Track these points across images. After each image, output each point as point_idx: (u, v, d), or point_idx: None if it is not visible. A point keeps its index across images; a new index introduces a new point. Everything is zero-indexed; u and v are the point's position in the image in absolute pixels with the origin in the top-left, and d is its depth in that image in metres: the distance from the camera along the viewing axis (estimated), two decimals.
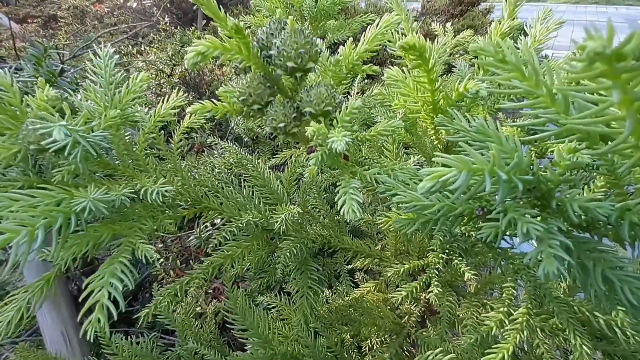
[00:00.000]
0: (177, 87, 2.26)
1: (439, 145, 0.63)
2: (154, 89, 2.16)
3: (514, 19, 0.58)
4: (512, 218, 0.28)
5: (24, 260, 0.33)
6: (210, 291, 1.46)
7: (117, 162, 0.55)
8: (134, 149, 0.61)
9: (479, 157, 0.28)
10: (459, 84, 0.49)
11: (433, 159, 0.27)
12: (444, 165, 0.28)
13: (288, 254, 0.62)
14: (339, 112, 0.40)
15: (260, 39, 0.45)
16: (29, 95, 0.72)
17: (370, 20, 1.16)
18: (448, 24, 1.52)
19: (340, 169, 0.42)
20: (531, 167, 0.34)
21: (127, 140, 0.59)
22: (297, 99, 0.44)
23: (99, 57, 0.61)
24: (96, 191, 0.38)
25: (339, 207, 0.35)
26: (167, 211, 0.52)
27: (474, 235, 0.50)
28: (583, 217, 0.31)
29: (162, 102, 0.65)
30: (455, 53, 1.59)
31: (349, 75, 0.49)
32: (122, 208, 0.43)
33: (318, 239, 0.74)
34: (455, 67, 0.75)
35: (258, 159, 0.84)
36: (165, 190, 0.42)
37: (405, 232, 0.38)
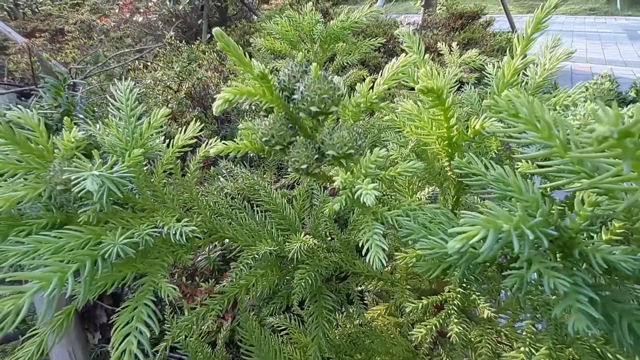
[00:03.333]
0: (184, 102, 2.29)
1: (452, 176, 0.64)
2: (161, 105, 2.18)
3: (525, 55, 0.59)
4: (537, 270, 0.28)
5: (50, 309, 0.34)
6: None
7: (137, 196, 0.56)
8: (152, 180, 0.62)
9: (504, 214, 0.28)
10: (475, 120, 0.50)
11: (460, 220, 0.28)
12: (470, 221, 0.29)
13: (303, 283, 0.63)
14: (362, 154, 0.41)
15: (282, 80, 0.46)
16: (51, 127, 0.73)
17: (379, 43, 1.18)
18: (454, 44, 1.54)
19: (362, 208, 0.43)
20: (552, 215, 0.34)
21: (146, 170, 0.60)
22: (318, 139, 0.45)
23: (120, 91, 0.62)
24: (122, 234, 0.39)
25: (363, 253, 0.35)
26: (185, 245, 0.53)
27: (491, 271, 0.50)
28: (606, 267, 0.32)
29: (180, 132, 0.66)
30: (461, 69, 1.61)
31: (366, 111, 0.50)
32: (146, 246, 0.43)
33: (330, 266, 0.75)
34: (464, 86, 0.75)
35: (264, 174, 0.84)
36: (190, 231, 0.43)
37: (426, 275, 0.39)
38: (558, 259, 0.30)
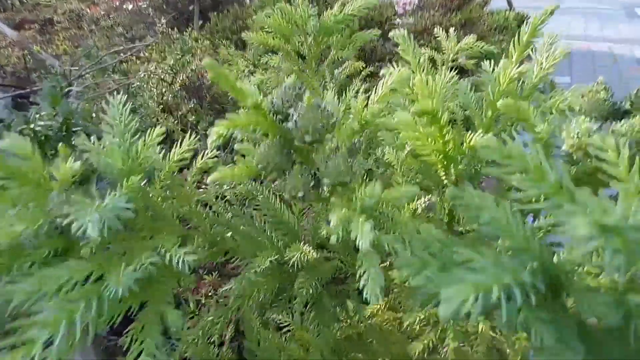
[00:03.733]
0: (179, 95, 2.26)
1: (448, 183, 0.64)
2: (156, 98, 2.16)
3: (522, 62, 0.58)
4: (525, 318, 0.29)
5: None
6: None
7: (136, 217, 0.57)
8: (150, 195, 0.62)
9: (493, 273, 0.29)
10: (470, 136, 0.50)
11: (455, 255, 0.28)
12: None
13: (304, 293, 0.64)
14: (356, 181, 0.42)
15: (276, 104, 0.45)
16: (51, 139, 0.72)
17: (374, 34, 1.16)
18: (452, 29, 1.50)
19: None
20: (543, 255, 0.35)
21: (145, 187, 0.61)
22: (314, 164, 0.45)
23: (113, 106, 0.62)
24: (125, 267, 0.40)
25: (360, 287, 0.36)
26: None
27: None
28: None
29: (175, 146, 0.66)
30: (459, 54, 1.57)
31: (361, 131, 0.50)
32: (149, 276, 0.44)
33: (330, 270, 0.76)
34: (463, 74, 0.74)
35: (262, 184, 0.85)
36: (193, 260, 0.43)
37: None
38: (548, 297, 0.31)
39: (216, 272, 1.78)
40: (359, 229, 0.33)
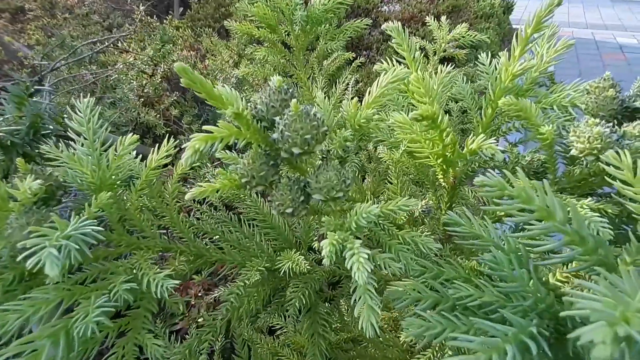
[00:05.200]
0: (161, 87, 2.17)
1: (446, 186, 0.61)
2: (136, 91, 2.06)
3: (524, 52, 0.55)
4: None
5: None
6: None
7: (111, 231, 0.52)
8: (128, 206, 0.57)
9: (502, 339, 0.26)
10: (472, 140, 0.46)
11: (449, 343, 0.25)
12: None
13: (297, 303, 0.61)
14: (349, 194, 0.38)
15: (259, 110, 0.41)
16: (17, 146, 0.66)
17: (364, 25, 1.10)
18: (443, 18, 1.45)
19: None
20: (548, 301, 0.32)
21: (119, 197, 0.56)
22: (304, 175, 0.41)
23: (79, 111, 0.56)
24: (95, 305, 0.35)
25: (355, 314, 0.33)
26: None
27: None
28: None
29: (153, 152, 0.61)
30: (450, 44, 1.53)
31: (354, 136, 0.46)
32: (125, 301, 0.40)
33: (323, 275, 0.73)
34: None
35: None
36: (170, 285, 0.39)
37: None
38: (552, 347, 0.28)
39: (206, 272, 1.74)
40: (354, 259, 0.29)
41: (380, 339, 0.80)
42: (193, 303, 1.56)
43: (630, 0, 6.85)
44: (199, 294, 1.59)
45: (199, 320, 1.37)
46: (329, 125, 0.39)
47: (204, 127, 0.35)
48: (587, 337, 0.18)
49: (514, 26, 3.72)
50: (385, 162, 0.74)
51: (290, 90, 0.41)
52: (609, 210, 0.45)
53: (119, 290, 0.39)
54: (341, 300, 0.96)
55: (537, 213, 0.30)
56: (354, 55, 1.39)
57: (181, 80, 0.36)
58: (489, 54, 0.69)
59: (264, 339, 0.92)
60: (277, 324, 1.01)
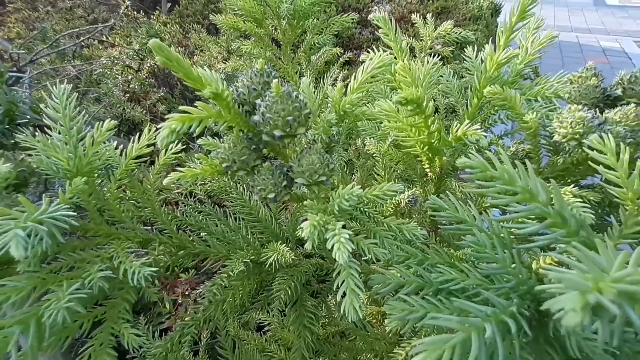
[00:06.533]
0: (147, 82, 2.13)
1: (432, 176, 0.61)
2: (122, 86, 2.02)
3: (509, 42, 0.55)
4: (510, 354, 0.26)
5: None
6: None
7: (88, 221, 0.50)
8: (107, 196, 0.56)
9: (477, 323, 0.25)
10: (457, 127, 0.46)
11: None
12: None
13: (282, 296, 0.60)
14: (334, 179, 0.37)
15: (241, 93, 0.40)
16: None
17: (351, 19, 1.10)
18: (429, 15, 1.46)
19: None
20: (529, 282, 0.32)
21: (98, 187, 0.54)
22: (286, 160, 0.40)
23: (55, 98, 0.54)
24: (68, 291, 0.34)
25: (338, 298, 0.32)
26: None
27: None
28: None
29: (133, 141, 0.59)
30: (436, 41, 1.54)
31: (339, 123, 0.45)
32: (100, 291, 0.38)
33: (310, 269, 0.72)
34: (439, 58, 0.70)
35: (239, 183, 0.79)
36: (148, 273, 0.38)
37: None
38: (534, 328, 0.28)
39: (193, 270, 1.71)
40: (335, 239, 0.29)
41: (368, 332, 0.79)
42: (180, 302, 1.54)
43: (613, 5, 7.04)
44: (186, 292, 1.57)
45: (187, 319, 1.35)
46: (313, 111, 0.38)
47: (181, 107, 0.34)
48: (558, 306, 0.18)
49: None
50: (373, 156, 0.73)
51: (273, 73, 0.40)
52: (591, 198, 0.45)
53: (94, 278, 0.37)
54: (329, 296, 0.96)
55: (520, 195, 0.29)
56: (343, 52, 1.39)
57: (156, 58, 0.35)
58: (475, 49, 0.69)
59: (251, 335, 0.91)
60: (265, 320, 0.99)
